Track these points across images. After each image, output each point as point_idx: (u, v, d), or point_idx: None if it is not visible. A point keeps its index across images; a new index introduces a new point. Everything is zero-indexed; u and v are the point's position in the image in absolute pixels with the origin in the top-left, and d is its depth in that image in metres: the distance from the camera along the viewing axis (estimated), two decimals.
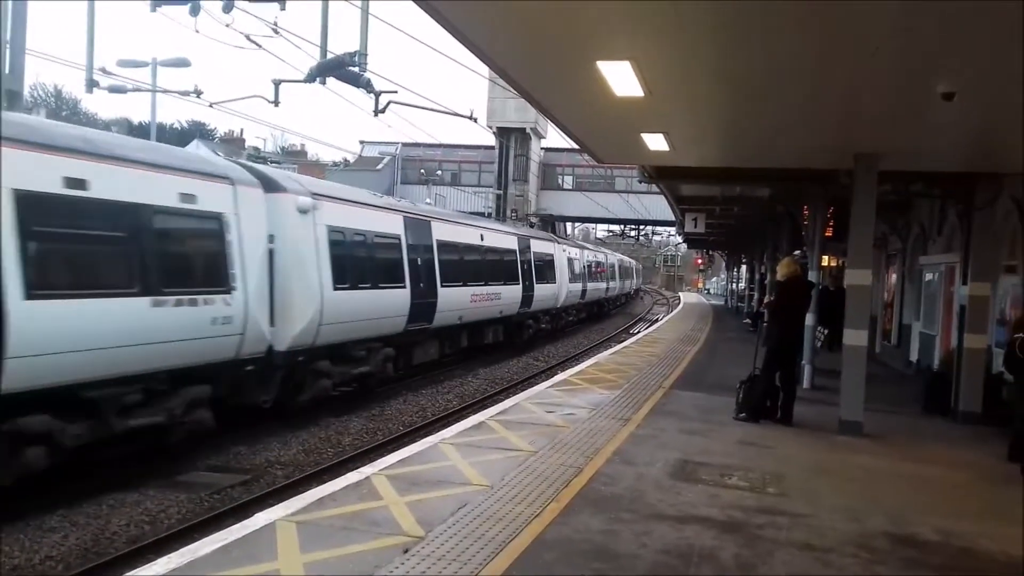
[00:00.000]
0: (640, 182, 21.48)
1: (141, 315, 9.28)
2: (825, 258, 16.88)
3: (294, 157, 41.70)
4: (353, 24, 16.63)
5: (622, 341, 24.79)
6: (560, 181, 47.98)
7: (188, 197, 10.23)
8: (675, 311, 41.83)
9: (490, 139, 42.65)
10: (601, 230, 67.93)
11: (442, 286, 17.95)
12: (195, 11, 14.50)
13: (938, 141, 9.37)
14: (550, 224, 41.75)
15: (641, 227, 57.24)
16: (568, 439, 8.65)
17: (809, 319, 12.52)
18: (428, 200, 27.89)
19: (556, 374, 16.30)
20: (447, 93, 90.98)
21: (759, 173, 13.50)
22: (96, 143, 9.35)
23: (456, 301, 18.79)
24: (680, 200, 20.96)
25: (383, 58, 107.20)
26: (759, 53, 6.40)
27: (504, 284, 22.87)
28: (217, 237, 10.73)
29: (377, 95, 17.45)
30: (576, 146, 12.94)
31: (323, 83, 16.00)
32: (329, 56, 15.64)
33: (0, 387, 7.67)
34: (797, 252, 18.37)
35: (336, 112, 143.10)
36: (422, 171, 43.63)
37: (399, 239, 16.22)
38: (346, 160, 48.84)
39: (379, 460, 7.80)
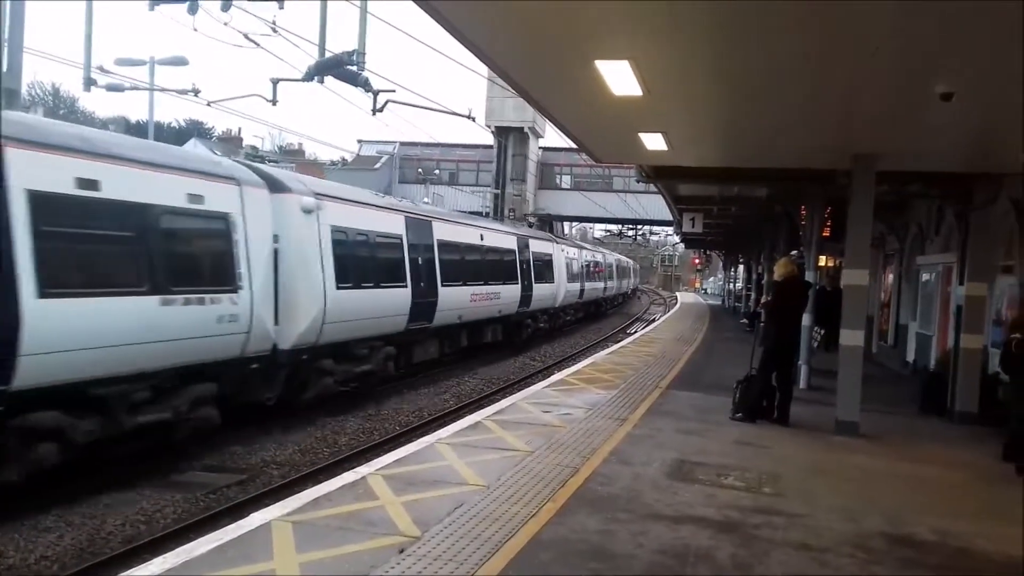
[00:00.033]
0: (638, 182, 21.48)
1: (150, 314, 9.43)
2: (822, 258, 16.90)
3: (292, 156, 41.66)
4: (352, 23, 16.65)
5: (619, 341, 24.78)
6: (558, 180, 47.99)
7: (196, 198, 10.39)
8: (672, 311, 41.85)
9: (488, 138, 42.64)
10: (599, 230, 67.98)
11: (442, 285, 18.06)
12: (193, 9, 14.49)
13: (938, 141, 9.37)
14: (548, 224, 41.76)
15: (639, 227, 57.26)
16: (565, 439, 8.65)
17: (806, 319, 12.52)
18: (426, 199, 27.86)
19: (553, 374, 16.30)
20: (445, 92, 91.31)
21: (757, 173, 13.50)
22: (107, 144, 9.52)
23: (456, 300, 18.90)
24: (678, 200, 20.96)
25: (381, 57, 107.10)
26: (758, 53, 6.39)
27: (503, 284, 22.96)
28: (224, 237, 10.89)
29: (375, 94, 17.46)
30: (574, 145, 12.94)
31: (321, 82, 15.99)
32: (327, 55, 15.62)
33: (13, 384, 7.81)
34: (794, 252, 18.40)
35: (334, 111, 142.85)
36: (420, 170, 43.57)
37: (400, 239, 16.33)
38: (344, 159, 48.86)
39: (375, 460, 7.79)
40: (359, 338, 14.27)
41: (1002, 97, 7.07)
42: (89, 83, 18.02)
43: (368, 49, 15.34)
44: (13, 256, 7.79)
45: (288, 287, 12.11)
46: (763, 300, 13.50)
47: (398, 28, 34.16)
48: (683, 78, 7.43)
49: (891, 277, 19.07)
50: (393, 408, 14.74)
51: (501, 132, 40.75)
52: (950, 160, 10.70)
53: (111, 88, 19.63)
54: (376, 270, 14.90)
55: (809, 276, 13.60)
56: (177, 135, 49.22)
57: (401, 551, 5.12)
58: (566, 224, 53.98)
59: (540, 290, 26.63)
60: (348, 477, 6.92)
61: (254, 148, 22.87)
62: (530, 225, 35.02)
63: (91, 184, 8.76)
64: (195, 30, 24.80)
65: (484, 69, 17.51)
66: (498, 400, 12.89)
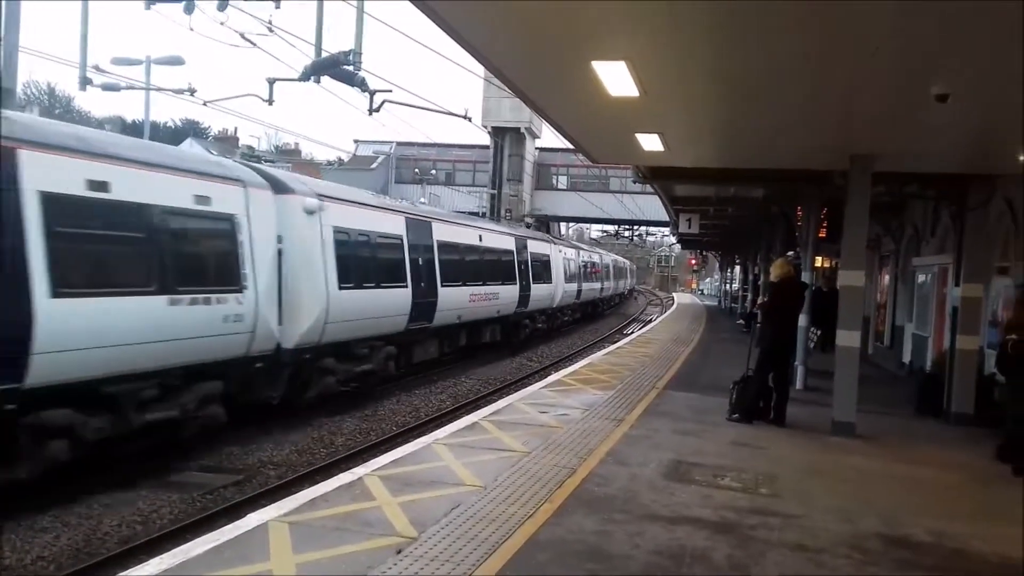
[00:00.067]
0: (634, 182, 21.55)
1: (158, 313, 9.61)
2: (819, 259, 16.91)
3: (288, 156, 41.50)
4: (348, 23, 16.63)
5: (616, 341, 24.79)
6: (555, 181, 47.98)
7: (202, 199, 10.58)
8: (669, 311, 41.89)
9: (485, 139, 42.67)
10: (595, 230, 67.97)
11: (442, 286, 18.19)
12: (189, 9, 14.49)
13: (937, 142, 9.36)
14: (544, 224, 41.76)
15: (635, 227, 57.26)
16: (561, 440, 8.64)
17: (802, 320, 12.54)
18: (423, 199, 27.88)
19: (550, 374, 16.29)
20: (442, 92, 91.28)
21: (754, 174, 13.51)
22: (116, 146, 9.72)
23: (455, 301, 19.01)
24: (674, 200, 20.97)
25: (378, 57, 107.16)
26: (756, 53, 6.39)
27: (502, 284, 23.08)
28: (229, 237, 11.06)
29: (372, 94, 17.45)
30: (571, 146, 12.95)
31: (317, 82, 16.00)
32: (324, 55, 15.61)
33: (26, 381, 7.95)
34: (791, 253, 18.41)
35: (330, 111, 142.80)
36: (416, 170, 43.59)
37: (401, 239, 16.46)
38: (340, 159, 48.80)
39: (372, 460, 7.77)
40: (361, 338, 14.41)
41: (1002, 97, 7.08)
42: (85, 82, 17.99)
43: (365, 49, 15.31)
44: (26, 256, 7.97)
45: (291, 287, 12.28)
46: (760, 301, 13.51)
47: (395, 28, 34.25)
48: (680, 79, 7.43)
49: (887, 278, 19.10)
50: (390, 409, 14.73)
51: (497, 132, 40.74)
52: (948, 161, 10.71)
53: (107, 87, 19.60)
54: (377, 270, 15.06)
55: (805, 277, 13.62)
56: (173, 135, 49.08)
57: (398, 552, 5.12)
58: (562, 225, 53.95)
59: (538, 290, 26.69)
60: (345, 478, 6.91)
61: (250, 148, 22.86)
62: (527, 226, 35.02)
63: (101, 186, 8.94)
64: (191, 30, 24.84)
65: (481, 69, 17.52)
66: (495, 401, 12.87)
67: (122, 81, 20.22)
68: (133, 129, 30.81)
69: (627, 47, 6.37)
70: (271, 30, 15.04)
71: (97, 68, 18.82)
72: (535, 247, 27.46)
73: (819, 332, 17.62)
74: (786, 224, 17.85)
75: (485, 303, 21.48)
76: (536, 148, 46.02)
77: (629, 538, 5.66)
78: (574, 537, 5.61)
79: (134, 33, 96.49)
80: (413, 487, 6.56)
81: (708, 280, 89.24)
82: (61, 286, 8.25)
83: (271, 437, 11.92)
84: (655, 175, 14.74)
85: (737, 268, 41.35)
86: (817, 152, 10.52)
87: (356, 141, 51.61)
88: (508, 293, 23.63)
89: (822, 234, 14.34)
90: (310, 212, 12.81)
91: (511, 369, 20.99)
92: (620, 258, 58.11)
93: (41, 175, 8.19)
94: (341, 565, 4.89)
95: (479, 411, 10.69)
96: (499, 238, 24.11)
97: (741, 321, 27.09)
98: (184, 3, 14.44)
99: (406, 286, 16.29)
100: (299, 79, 15.95)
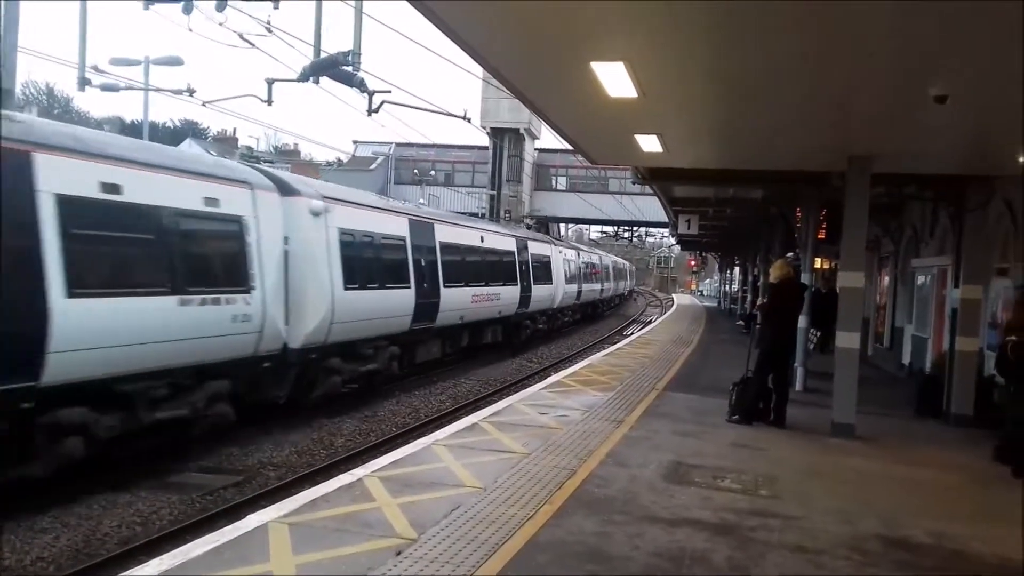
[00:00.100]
0: (633, 183, 21.52)
1: (169, 313, 9.77)
2: (818, 260, 16.91)
3: (287, 156, 41.50)
4: (347, 23, 16.62)
5: (616, 343, 24.79)
6: (554, 182, 47.97)
7: (211, 201, 10.75)
8: (668, 312, 41.89)
9: (484, 139, 42.66)
10: (595, 231, 67.95)
11: (444, 287, 18.31)
12: (188, 9, 14.48)
13: (935, 143, 9.37)
14: (544, 226, 41.78)
15: (634, 228, 57.26)
16: (561, 441, 8.64)
17: (802, 321, 12.54)
18: (422, 200, 27.91)
19: (550, 375, 16.28)
20: (441, 93, 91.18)
21: (753, 175, 13.51)
22: (129, 149, 9.90)
23: (458, 301, 19.15)
24: (673, 202, 20.99)
25: (377, 57, 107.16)
26: (754, 53, 6.39)
27: (503, 285, 23.19)
28: (238, 239, 11.23)
29: (371, 95, 17.46)
30: (570, 147, 12.95)
31: (316, 82, 15.98)
32: (323, 55, 15.60)
33: (43, 379, 8.07)
34: (790, 254, 18.41)
35: (329, 111, 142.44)
36: (415, 171, 43.58)
37: (404, 241, 16.61)
38: (339, 160, 48.77)
39: (372, 461, 7.77)
40: (365, 338, 14.56)
41: (1001, 98, 7.07)
42: (84, 83, 17.98)
43: (363, 49, 15.30)
44: (42, 257, 8.11)
45: (298, 288, 12.43)
46: (759, 302, 13.51)
47: (394, 29, 34.24)
48: (679, 79, 7.43)
49: (887, 279, 19.11)
50: (390, 409, 14.73)
51: (497, 133, 40.73)
52: (947, 162, 10.71)
53: (106, 88, 19.60)
54: (381, 271, 15.21)
55: (805, 278, 13.61)
56: (172, 135, 49.04)
57: (398, 553, 5.11)
58: (562, 226, 53.94)
59: (539, 291, 26.76)
60: (345, 479, 6.91)
61: (249, 149, 22.81)
62: (527, 227, 35.03)
63: (114, 188, 9.10)
64: (190, 30, 24.79)
65: (479, 70, 17.49)
66: (495, 402, 12.87)
67: (121, 81, 20.24)
68: (132, 130, 30.81)
69: (625, 47, 6.37)
70: (270, 30, 15.04)
71: (96, 68, 18.83)
72: (536, 248, 27.52)
73: (818, 333, 17.63)
74: (785, 225, 17.86)
75: (487, 304, 21.58)
76: (535, 149, 46.01)
77: (629, 539, 5.66)
78: (574, 539, 5.61)
79: (133, 33, 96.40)
80: (413, 488, 6.56)
81: (707, 281, 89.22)
82: (76, 286, 8.41)
83: (271, 438, 11.93)
84: (654, 176, 14.76)
85: (736, 269, 41.35)
86: (815, 153, 10.52)
87: (355, 142, 51.60)
88: (509, 294, 23.72)
89: (821, 235, 14.34)
90: (316, 214, 12.97)
91: (511, 370, 21.00)
92: (619, 259, 58.12)
93: (56, 178, 8.36)
94: (341, 566, 4.89)
95: (479, 412, 10.68)
96: (500, 239, 24.21)
97: (741, 322, 27.09)
98: (183, 3, 14.43)
99: (409, 287, 16.43)
100: (298, 79, 15.95)
